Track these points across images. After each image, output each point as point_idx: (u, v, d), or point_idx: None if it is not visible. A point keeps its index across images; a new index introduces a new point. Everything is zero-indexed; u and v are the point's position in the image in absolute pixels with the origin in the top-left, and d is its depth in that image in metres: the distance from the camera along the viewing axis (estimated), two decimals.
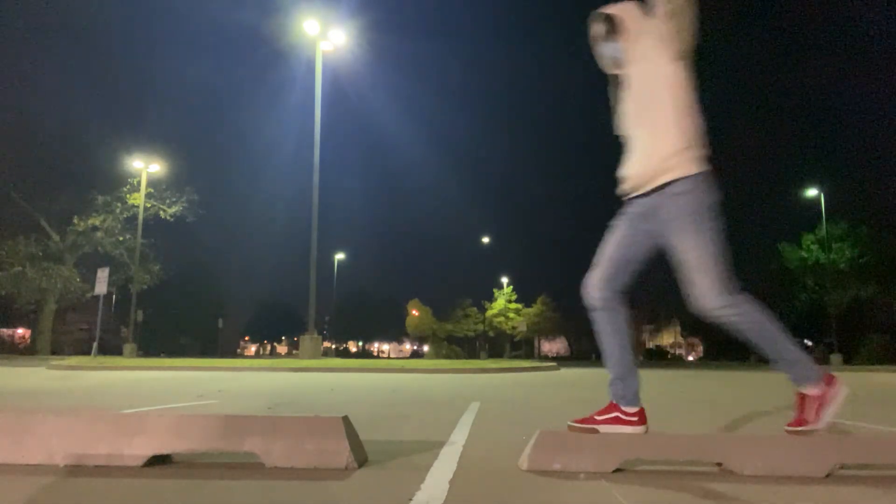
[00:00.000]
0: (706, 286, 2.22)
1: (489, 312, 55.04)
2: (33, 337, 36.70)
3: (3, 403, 4.85)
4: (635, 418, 2.23)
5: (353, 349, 79.87)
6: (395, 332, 71.77)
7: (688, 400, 5.79)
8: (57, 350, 37.79)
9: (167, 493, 1.82)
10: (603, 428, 2.23)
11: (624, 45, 2.48)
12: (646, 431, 2.26)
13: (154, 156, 30.20)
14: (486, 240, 54.17)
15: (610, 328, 2.38)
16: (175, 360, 16.84)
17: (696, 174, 2.27)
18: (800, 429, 2.25)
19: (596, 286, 2.41)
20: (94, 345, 18.66)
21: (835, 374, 2.32)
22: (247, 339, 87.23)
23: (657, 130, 2.33)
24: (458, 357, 33.84)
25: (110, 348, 36.36)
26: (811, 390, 2.26)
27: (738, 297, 2.23)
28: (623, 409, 2.24)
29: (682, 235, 2.25)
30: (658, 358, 61.13)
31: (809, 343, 47.39)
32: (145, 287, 34.11)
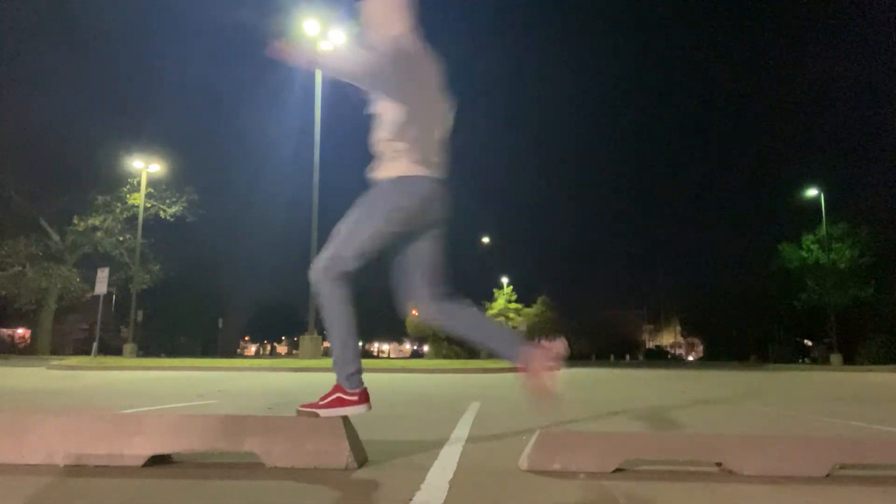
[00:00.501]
0: (325, 254, 2.28)
1: (489, 312, 55.00)
2: (33, 337, 36.68)
3: (3, 403, 4.85)
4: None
5: None
6: (395, 332, 71.71)
7: (688, 400, 5.78)
8: (57, 350, 37.74)
9: (167, 493, 1.82)
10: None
11: (373, 37, 2.44)
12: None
13: (154, 156, 30.12)
14: (486, 240, 54.16)
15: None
16: (175, 360, 16.84)
17: (396, 177, 2.29)
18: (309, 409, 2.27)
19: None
20: (94, 345, 18.63)
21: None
22: (247, 339, 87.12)
23: (380, 127, 2.36)
24: (458, 357, 33.79)
25: (110, 348, 36.29)
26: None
27: (334, 283, 2.25)
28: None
29: (355, 205, 2.34)
30: (658, 358, 61.12)
31: (809, 343, 47.34)
32: (145, 287, 34.05)
